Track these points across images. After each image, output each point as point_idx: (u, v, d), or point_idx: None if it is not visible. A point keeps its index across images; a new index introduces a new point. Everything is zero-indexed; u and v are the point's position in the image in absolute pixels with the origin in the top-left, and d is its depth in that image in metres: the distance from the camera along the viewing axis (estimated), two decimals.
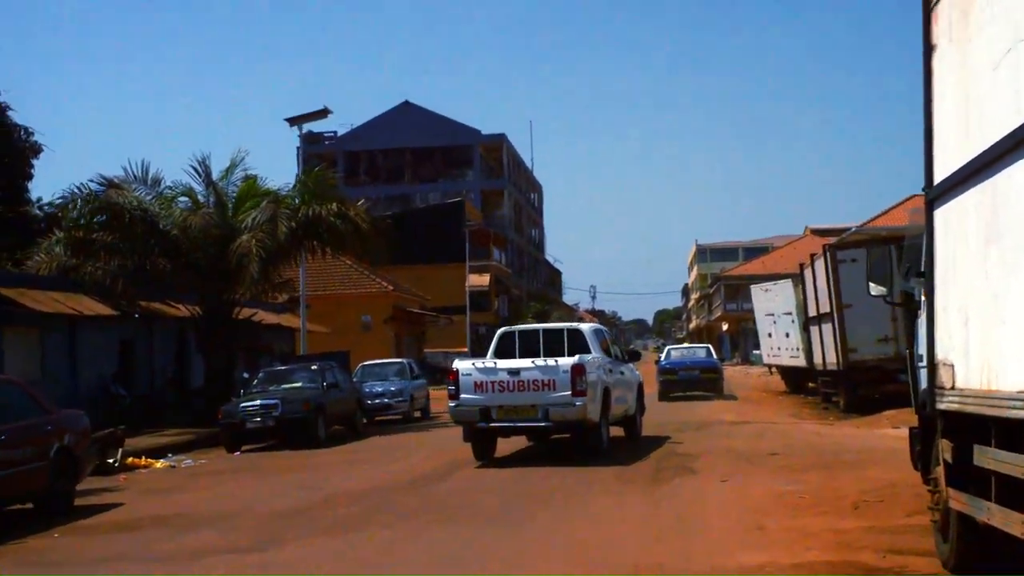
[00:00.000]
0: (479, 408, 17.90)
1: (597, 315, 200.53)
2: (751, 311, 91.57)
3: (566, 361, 17.91)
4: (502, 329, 20.98)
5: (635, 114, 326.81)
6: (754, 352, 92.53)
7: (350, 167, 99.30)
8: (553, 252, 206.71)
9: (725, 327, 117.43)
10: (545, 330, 20.56)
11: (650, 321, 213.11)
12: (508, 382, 17.82)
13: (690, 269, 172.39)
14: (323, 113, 35.51)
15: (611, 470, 16.10)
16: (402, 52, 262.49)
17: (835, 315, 26.33)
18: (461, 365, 18.64)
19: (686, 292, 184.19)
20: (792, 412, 28.77)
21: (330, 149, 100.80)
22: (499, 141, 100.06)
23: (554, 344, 19.34)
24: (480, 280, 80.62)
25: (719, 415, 27.79)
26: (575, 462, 17.40)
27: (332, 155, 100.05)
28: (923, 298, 9.91)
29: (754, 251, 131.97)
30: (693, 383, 37.64)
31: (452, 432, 26.99)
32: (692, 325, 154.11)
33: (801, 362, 34.50)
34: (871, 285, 10.90)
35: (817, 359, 29.83)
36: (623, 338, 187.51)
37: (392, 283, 61.23)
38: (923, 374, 9.69)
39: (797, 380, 37.64)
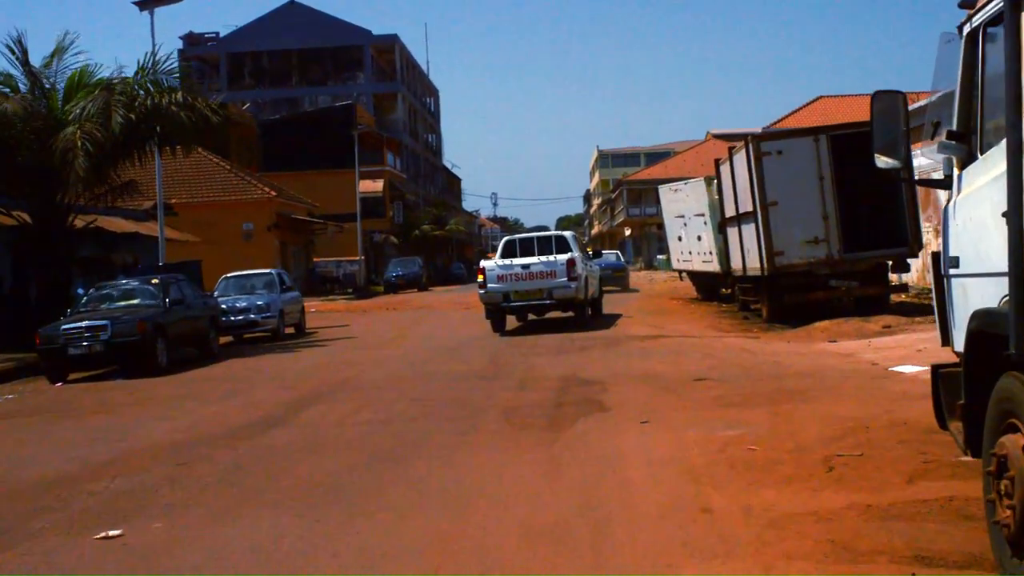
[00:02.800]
0: (502, 293, 24.90)
1: (499, 222, 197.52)
2: (655, 216, 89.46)
3: (563, 257, 24.98)
4: (506, 238, 27.67)
5: (534, 19, 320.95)
6: (658, 257, 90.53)
7: (234, 70, 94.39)
8: (452, 158, 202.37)
9: (628, 232, 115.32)
10: (538, 237, 26.71)
11: (552, 227, 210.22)
12: (522, 273, 24.80)
13: (592, 175, 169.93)
14: None
15: (499, 409, 12.63)
16: None
17: (758, 214, 22.99)
18: (487, 264, 25.58)
19: (588, 198, 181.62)
20: (710, 323, 25.51)
21: (212, 51, 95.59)
22: (391, 42, 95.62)
23: (545, 247, 25.72)
24: (373, 186, 77.14)
25: (630, 328, 24.56)
26: (459, 397, 14.02)
27: (215, 57, 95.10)
28: (956, 171, 6.53)
29: (656, 156, 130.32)
30: (606, 280, 39.74)
31: (320, 352, 23.71)
32: (595, 231, 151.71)
33: (715, 267, 31.47)
34: (878, 157, 7.20)
35: (736, 264, 26.63)
36: None
37: (276, 189, 57.18)
38: (961, 286, 6.35)
39: (710, 286, 34.67)
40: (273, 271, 30.55)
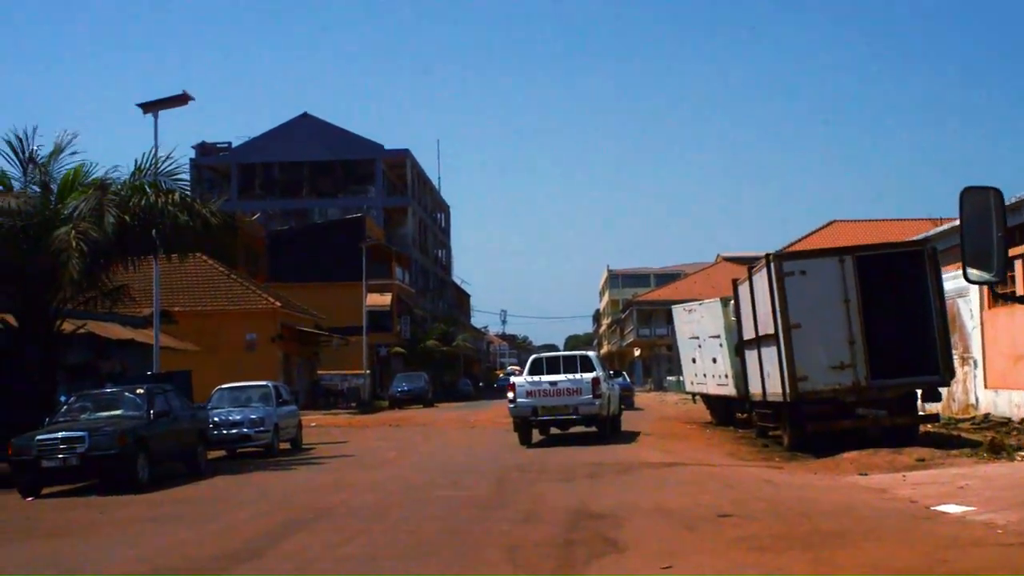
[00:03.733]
0: (531, 407, 26.22)
1: (508, 339, 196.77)
2: (665, 336, 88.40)
3: (588, 375, 26.51)
4: (533, 356, 29.72)
5: (545, 138, 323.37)
6: (668, 378, 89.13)
7: (244, 180, 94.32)
8: (461, 274, 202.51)
9: (637, 352, 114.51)
10: (564, 356, 28.83)
11: (561, 346, 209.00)
12: (550, 390, 26.24)
13: (601, 295, 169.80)
14: (182, 99, 30.32)
15: (500, 546, 11.26)
16: (301, 62, 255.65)
17: (780, 337, 21.74)
18: (517, 380, 27.18)
19: (597, 318, 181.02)
20: (728, 451, 24.11)
21: (224, 161, 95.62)
22: (403, 156, 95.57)
23: (571, 366, 27.37)
24: (381, 300, 76.34)
25: (643, 453, 23.18)
26: (457, 529, 12.65)
27: (226, 167, 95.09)
28: None
29: (666, 277, 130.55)
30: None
31: (313, 471, 22.35)
32: (604, 351, 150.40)
33: (731, 391, 30.26)
34: (969, 269, 5.98)
35: (755, 388, 25.33)
36: None
37: (281, 300, 56.24)
38: None
39: (725, 410, 33.32)
40: (270, 383, 29.31)
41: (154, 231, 24.26)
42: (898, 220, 60.19)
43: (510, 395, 26.56)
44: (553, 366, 27.47)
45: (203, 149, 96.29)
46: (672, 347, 45.31)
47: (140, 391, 20.92)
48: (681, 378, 42.69)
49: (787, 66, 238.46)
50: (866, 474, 17.65)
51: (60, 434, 18.64)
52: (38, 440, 18.56)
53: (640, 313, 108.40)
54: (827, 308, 21.53)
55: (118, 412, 20.24)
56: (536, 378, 26.65)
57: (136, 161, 24.60)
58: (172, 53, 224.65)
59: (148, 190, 24.07)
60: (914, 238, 28.09)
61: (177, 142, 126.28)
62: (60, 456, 18.37)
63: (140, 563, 10.96)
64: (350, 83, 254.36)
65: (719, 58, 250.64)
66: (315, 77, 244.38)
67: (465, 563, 10.31)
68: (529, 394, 26.24)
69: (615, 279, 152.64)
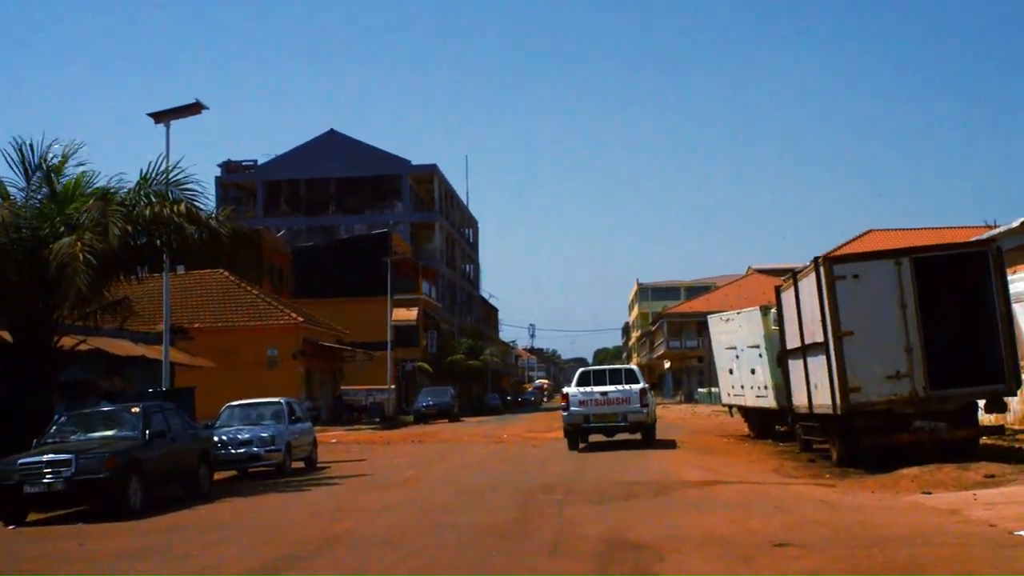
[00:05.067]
0: (582, 415, 28.59)
1: (536, 353, 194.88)
2: (695, 348, 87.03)
3: (636, 386, 29.00)
4: (581, 369, 31.98)
5: (574, 151, 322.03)
6: (699, 390, 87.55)
7: (270, 197, 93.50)
8: (490, 288, 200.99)
9: (667, 365, 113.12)
10: (610, 369, 31.47)
11: (590, 360, 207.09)
12: (601, 399, 28.57)
13: (631, 308, 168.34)
14: (195, 108, 28.98)
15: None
16: (328, 80, 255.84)
17: (830, 346, 20.00)
18: (571, 391, 29.27)
19: (627, 331, 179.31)
20: (772, 466, 22.31)
21: (250, 179, 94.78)
22: (430, 172, 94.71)
23: (616, 377, 29.76)
24: (407, 314, 75.38)
25: (681, 470, 21.43)
26: (472, 564, 11.02)
27: (252, 185, 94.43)
28: None
29: (696, 290, 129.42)
30: None
31: (324, 493, 20.71)
32: (633, 363, 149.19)
33: (771, 403, 28.61)
34: None
35: (799, 400, 23.55)
36: (562, 377, 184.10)
37: (304, 315, 55.05)
38: None
39: (764, 423, 31.58)
40: (282, 400, 27.65)
41: (159, 241, 22.83)
42: (937, 228, 58.26)
43: (564, 404, 29.12)
44: (599, 378, 29.79)
45: (229, 167, 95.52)
46: (704, 359, 43.50)
47: (135, 410, 19.26)
48: (713, 390, 40.96)
49: (813, 79, 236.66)
50: (930, 492, 15.97)
51: (45, 457, 17.03)
52: (20, 464, 16.96)
53: (671, 325, 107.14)
54: (881, 314, 19.89)
55: (111, 432, 18.64)
56: (588, 389, 28.94)
57: (141, 171, 23.06)
58: (197, 71, 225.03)
59: (153, 199, 22.58)
60: (976, 238, 26.48)
61: (200, 158, 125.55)
62: (45, 481, 16.78)
63: None
64: (377, 99, 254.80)
65: (746, 70, 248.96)
66: (342, 94, 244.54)
67: None
68: (582, 403, 28.58)
69: (644, 292, 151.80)
